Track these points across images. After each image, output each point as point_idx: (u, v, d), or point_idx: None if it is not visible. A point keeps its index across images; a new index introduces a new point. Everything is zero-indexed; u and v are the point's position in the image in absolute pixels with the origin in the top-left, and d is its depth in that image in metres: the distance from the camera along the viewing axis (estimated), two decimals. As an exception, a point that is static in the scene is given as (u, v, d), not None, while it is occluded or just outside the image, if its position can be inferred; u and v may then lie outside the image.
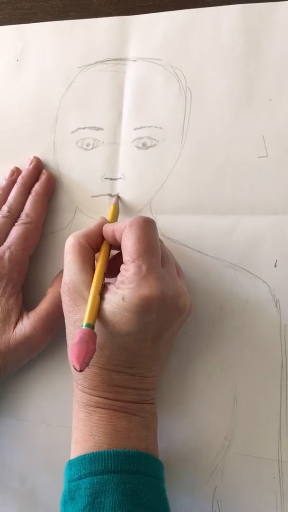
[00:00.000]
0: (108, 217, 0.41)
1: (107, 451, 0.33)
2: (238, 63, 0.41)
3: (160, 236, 0.41)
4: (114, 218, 0.41)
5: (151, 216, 0.42)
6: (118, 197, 0.43)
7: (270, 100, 0.41)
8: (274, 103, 0.41)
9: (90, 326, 0.32)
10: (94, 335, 0.32)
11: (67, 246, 0.37)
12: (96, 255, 0.38)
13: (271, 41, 0.41)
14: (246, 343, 0.39)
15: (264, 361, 0.39)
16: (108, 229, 0.38)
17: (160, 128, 0.43)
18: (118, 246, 0.37)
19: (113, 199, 0.43)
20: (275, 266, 0.39)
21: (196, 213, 0.41)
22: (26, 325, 0.40)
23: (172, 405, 0.40)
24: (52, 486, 0.41)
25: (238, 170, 0.41)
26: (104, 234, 0.38)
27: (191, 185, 0.42)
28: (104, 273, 0.36)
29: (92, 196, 0.44)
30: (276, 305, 0.39)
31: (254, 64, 0.41)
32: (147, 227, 0.35)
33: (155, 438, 0.36)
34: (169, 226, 0.42)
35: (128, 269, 0.34)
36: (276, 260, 0.39)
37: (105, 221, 0.39)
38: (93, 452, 0.33)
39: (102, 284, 0.35)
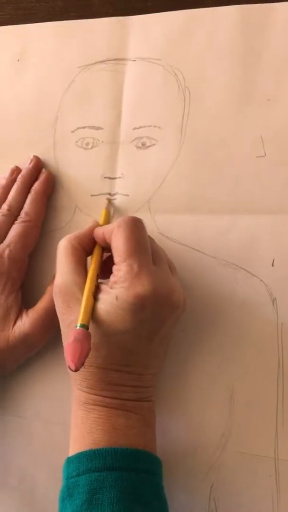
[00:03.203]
0: (100, 220, 0.41)
1: (106, 449, 0.33)
2: (236, 63, 0.42)
3: (158, 235, 0.41)
4: (106, 222, 0.41)
5: (149, 215, 0.42)
6: (109, 201, 0.43)
7: (268, 100, 0.41)
8: (272, 103, 0.41)
9: (85, 326, 0.32)
10: (89, 335, 0.32)
11: (59, 248, 0.38)
12: (89, 257, 0.38)
13: (269, 42, 0.41)
14: (243, 341, 0.39)
15: (261, 359, 0.39)
16: (98, 232, 0.38)
17: (159, 127, 0.43)
18: (109, 249, 0.37)
19: (105, 204, 0.43)
20: (272, 265, 0.40)
21: (194, 212, 0.42)
22: (25, 322, 0.40)
23: (169, 403, 0.40)
24: (51, 483, 0.41)
25: (236, 170, 0.41)
26: (95, 237, 0.38)
27: (189, 184, 0.42)
28: (97, 274, 0.37)
29: (91, 195, 0.44)
30: (273, 304, 0.39)
31: (252, 64, 0.41)
32: (135, 226, 0.35)
33: (154, 435, 0.36)
34: (168, 225, 0.42)
35: (120, 269, 0.34)
36: (274, 259, 0.40)
37: (97, 224, 0.39)
38: (92, 449, 0.33)
39: (96, 285, 0.36)
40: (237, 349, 0.39)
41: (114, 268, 0.35)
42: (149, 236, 0.37)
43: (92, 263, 0.37)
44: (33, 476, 0.42)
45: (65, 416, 0.41)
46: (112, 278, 0.35)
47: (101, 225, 0.40)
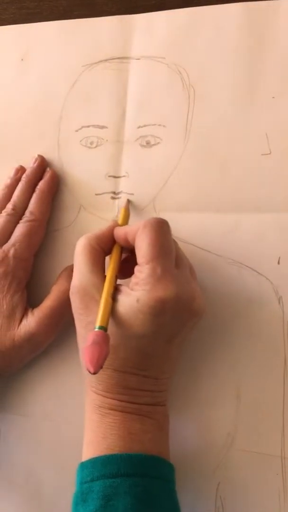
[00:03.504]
0: (119, 220, 0.41)
1: (120, 454, 0.33)
2: (241, 60, 0.42)
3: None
4: (125, 222, 0.41)
5: (154, 214, 0.42)
6: (129, 201, 0.43)
7: (273, 97, 0.41)
8: (277, 101, 0.41)
9: (103, 328, 0.32)
10: (107, 337, 0.32)
11: (78, 247, 0.37)
12: (107, 258, 0.38)
13: (274, 39, 0.41)
14: (249, 340, 0.39)
15: (267, 358, 0.39)
16: (120, 231, 0.37)
17: (164, 126, 0.43)
18: (129, 249, 0.37)
19: (124, 203, 0.43)
20: (278, 263, 0.39)
21: (199, 211, 0.42)
22: (30, 322, 0.40)
23: (175, 402, 0.40)
24: (57, 482, 0.41)
25: (241, 168, 0.41)
26: (115, 237, 0.38)
27: (194, 182, 0.42)
28: (116, 275, 0.36)
29: (96, 194, 0.44)
30: (279, 302, 0.39)
31: (257, 62, 0.41)
32: (161, 229, 0.35)
33: (167, 440, 0.36)
34: (173, 224, 0.41)
35: (142, 271, 0.34)
36: (279, 258, 0.40)
37: (116, 224, 0.39)
38: (106, 455, 0.33)
39: (114, 286, 0.35)
40: (242, 348, 0.39)
41: (137, 269, 0.35)
42: (173, 239, 0.37)
43: (111, 264, 0.37)
44: (40, 475, 0.42)
45: (72, 415, 0.41)
46: (133, 279, 0.35)
47: (120, 225, 0.39)
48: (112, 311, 0.34)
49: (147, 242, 0.34)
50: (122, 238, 0.37)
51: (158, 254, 0.34)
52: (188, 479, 0.39)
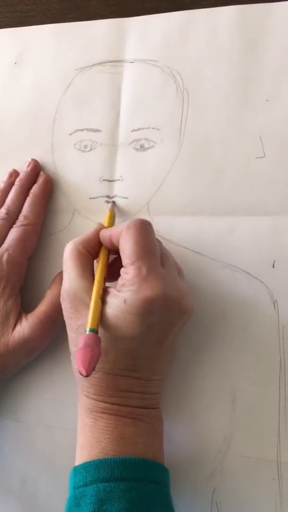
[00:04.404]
0: (105, 223, 0.41)
1: (114, 458, 0.33)
2: (235, 63, 0.42)
3: (158, 238, 0.41)
4: (111, 224, 0.41)
5: (149, 218, 0.42)
6: (114, 203, 0.43)
7: (267, 100, 0.41)
8: (271, 104, 0.41)
9: (94, 331, 0.32)
10: (99, 339, 0.32)
11: (66, 253, 0.37)
12: (95, 261, 0.38)
13: (268, 42, 0.41)
14: (244, 344, 0.39)
15: (262, 362, 0.39)
16: (105, 234, 0.38)
17: (158, 129, 0.43)
18: (116, 251, 0.37)
19: (109, 205, 0.43)
20: (273, 266, 0.39)
21: (194, 214, 0.41)
22: (24, 327, 0.40)
23: (171, 406, 0.39)
24: (52, 487, 0.41)
25: (235, 171, 0.41)
26: (101, 240, 0.38)
27: (189, 186, 0.42)
28: (104, 278, 0.36)
29: (90, 198, 0.44)
30: (274, 306, 0.39)
31: (251, 65, 0.41)
32: (144, 229, 0.35)
33: (161, 444, 0.36)
34: (167, 228, 0.42)
35: (128, 272, 0.34)
36: (274, 261, 0.39)
37: (102, 227, 0.39)
38: (99, 459, 0.33)
39: (103, 289, 0.35)
40: (238, 352, 0.39)
41: (122, 271, 0.35)
42: (157, 239, 0.37)
43: (99, 267, 0.37)
44: (35, 481, 0.42)
45: (67, 421, 0.41)
46: (120, 281, 0.35)
47: (106, 227, 0.39)
48: (101, 314, 0.34)
49: (131, 243, 0.34)
50: (107, 240, 0.37)
51: (143, 254, 0.34)
52: (183, 484, 0.39)
